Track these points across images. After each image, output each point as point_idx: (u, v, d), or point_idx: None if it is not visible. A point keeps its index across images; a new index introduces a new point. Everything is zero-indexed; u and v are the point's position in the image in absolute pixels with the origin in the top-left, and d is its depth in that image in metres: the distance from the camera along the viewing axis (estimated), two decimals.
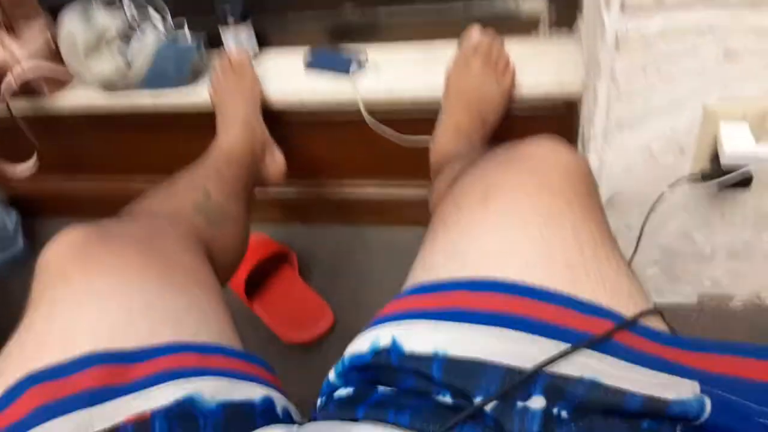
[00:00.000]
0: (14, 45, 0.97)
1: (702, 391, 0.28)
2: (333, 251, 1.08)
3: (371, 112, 0.92)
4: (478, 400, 0.29)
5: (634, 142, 0.68)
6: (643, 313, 0.32)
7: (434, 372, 0.30)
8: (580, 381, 0.28)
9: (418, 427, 0.29)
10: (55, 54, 1.01)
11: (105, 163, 1.19)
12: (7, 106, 0.99)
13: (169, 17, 1.06)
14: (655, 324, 0.33)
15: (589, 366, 0.29)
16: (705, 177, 0.67)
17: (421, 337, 0.31)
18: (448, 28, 0.94)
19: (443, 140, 0.80)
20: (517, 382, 0.28)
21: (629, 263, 0.57)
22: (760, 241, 0.75)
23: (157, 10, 1.05)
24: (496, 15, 0.92)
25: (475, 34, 0.84)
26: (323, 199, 1.11)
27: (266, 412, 0.37)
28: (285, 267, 1.05)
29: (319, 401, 0.36)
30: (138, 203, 0.59)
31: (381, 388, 0.33)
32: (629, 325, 0.31)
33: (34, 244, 1.24)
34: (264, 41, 1.05)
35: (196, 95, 0.98)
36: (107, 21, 0.95)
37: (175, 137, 1.08)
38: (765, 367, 0.29)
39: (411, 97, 0.89)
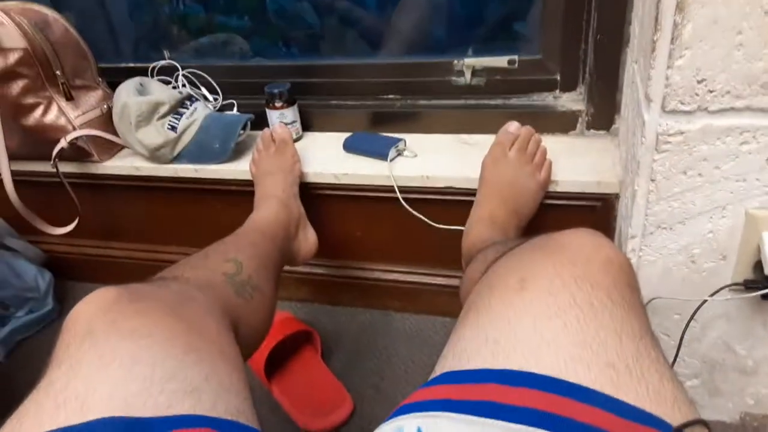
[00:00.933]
0: (70, 111, 1.02)
1: None
2: (357, 335, 1.06)
3: (406, 198, 0.93)
4: None
5: (674, 244, 0.66)
6: (690, 424, 0.30)
7: None
8: None
9: None
10: (108, 123, 1.06)
11: (143, 231, 1.21)
12: (56, 167, 1.03)
13: (220, 98, 1.12)
14: None
15: None
16: (748, 286, 0.63)
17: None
18: (487, 122, 0.97)
19: (477, 229, 0.79)
20: None
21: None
22: None
23: (209, 90, 1.13)
24: (535, 111, 0.94)
25: (513, 126, 0.85)
26: (351, 280, 1.10)
27: None
28: (307, 348, 1.03)
29: None
30: (170, 270, 0.59)
31: None
32: None
33: (65, 306, 1.24)
34: (307, 125, 1.10)
35: (236, 169, 1.01)
36: (162, 96, 1.00)
37: (213, 208, 1.10)
38: None
39: (446, 184, 0.91)
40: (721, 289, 0.65)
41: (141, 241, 1.23)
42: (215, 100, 1.13)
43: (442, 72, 1.01)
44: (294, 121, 1.05)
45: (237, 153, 1.03)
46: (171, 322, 0.42)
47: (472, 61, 0.97)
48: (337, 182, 0.96)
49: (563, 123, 0.93)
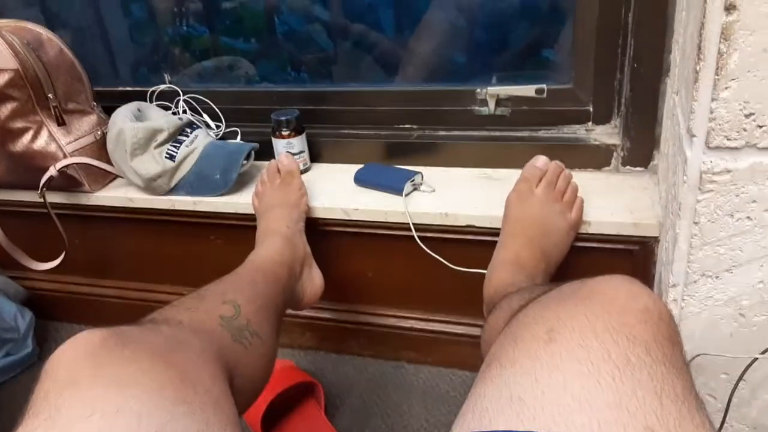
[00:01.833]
0: (62, 137, 1.02)
1: None
2: (365, 387, 1.04)
3: (423, 237, 0.93)
4: None
5: (721, 295, 0.64)
6: None
7: None
8: None
9: None
10: (101, 150, 1.08)
11: (134, 269, 1.22)
12: (44, 197, 1.03)
13: (223, 125, 1.14)
14: None
15: None
16: None
17: None
18: (512, 156, 0.98)
19: (500, 273, 0.79)
20: None
21: None
22: None
23: (212, 117, 1.15)
24: (565, 145, 0.95)
25: (540, 161, 0.86)
26: (360, 326, 1.09)
27: None
28: (309, 401, 1.01)
29: None
30: (162, 311, 0.59)
31: None
32: None
33: (46, 348, 1.24)
34: (316, 155, 1.11)
35: (238, 202, 1.02)
36: (160, 123, 1.02)
37: (212, 245, 1.11)
38: None
39: (467, 223, 0.91)
40: None
41: (132, 279, 1.23)
42: (218, 127, 1.15)
43: (464, 101, 1.02)
44: (302, 152, 1.06)
45: (239, 185, 1.04)
46: (161, 370, 0.42)
47: (496, 90, 0.98)
48: (347, 218, 0.97)
49: (596, 158, 0.94)
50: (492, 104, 1.00)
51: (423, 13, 1.02)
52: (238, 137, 1.13)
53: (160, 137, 1.01)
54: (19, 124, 1.01)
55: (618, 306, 0.38)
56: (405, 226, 0.93)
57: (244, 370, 0.59)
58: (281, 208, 0.93)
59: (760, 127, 0.54)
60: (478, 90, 1.00)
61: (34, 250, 1.13)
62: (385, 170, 1.02)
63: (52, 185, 1.04)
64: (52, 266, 1.12)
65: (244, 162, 1.03)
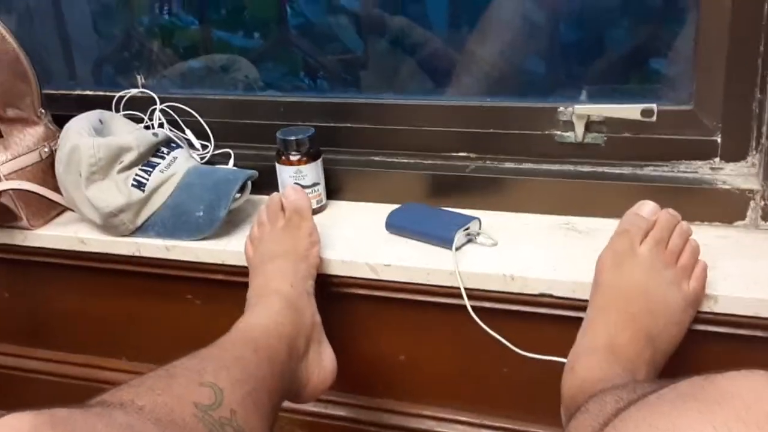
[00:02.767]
0: None
1: None
2: None
3: (478, 308, 0.92)
4: None
5: None
6: None
7: None
8: None
9: None
10: (47, 173, 1.09)
11: (81, 336, 1.21)
12: None
13: (211, 145, 1.15)
14: None
15: None
16: None
17: None
18: (606, 201, 0.98)
19: (587, 362, 0.77)
20: None
21: None
22: None
23: (197, 134, 1.16)
24: (682, 188, 0.95)
25: (647, 208, 0.85)
26: (387, 430, 1.07)
27: None
28: None
29: None
30: (116, 391, 0.59)
31: None
32: None
33: None
34: (335, 189, 1.12)
35: (226, 249, 1.02)
36: (128, 139, 1.03)
37: (188, 305, 1.10)
38: None
39: (540, 290, 0.90)
40: None
41: (76, 350, 1.23)
42: (204, 148, 1.16)
43: (542, 123, 1.02)
44: (315, 184, 1.08)
45: (229, 226, 1.05)
46: None
47: (586, 109, 0.99)
48: (374, 277, 0.97)
49: (726, 208, 0.93)
50: (580, 128, 1.00)
51: (487, 3, 1.04)
52: (231, 162, 1.14)
53: (127, 158, 1.02)
54: None
55: (761, 414, 0.38)
56: (454, 292, 0.93)
57: None
58: (284, 259, 0.93)
59: None
60: (562, 108, 1.00)
61: None
62: (430, 214, 1.02)
63: None
64: None
65: (237, 195, 1.04)
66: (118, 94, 1.16)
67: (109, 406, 0.55)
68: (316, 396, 0.91)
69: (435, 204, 1.06)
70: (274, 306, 0.87)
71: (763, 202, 0.92)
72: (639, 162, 0.99)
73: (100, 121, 1.08)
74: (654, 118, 0.96)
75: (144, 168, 1.04)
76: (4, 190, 1.05)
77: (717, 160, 0.95)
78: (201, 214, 1.03)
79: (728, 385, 0.41)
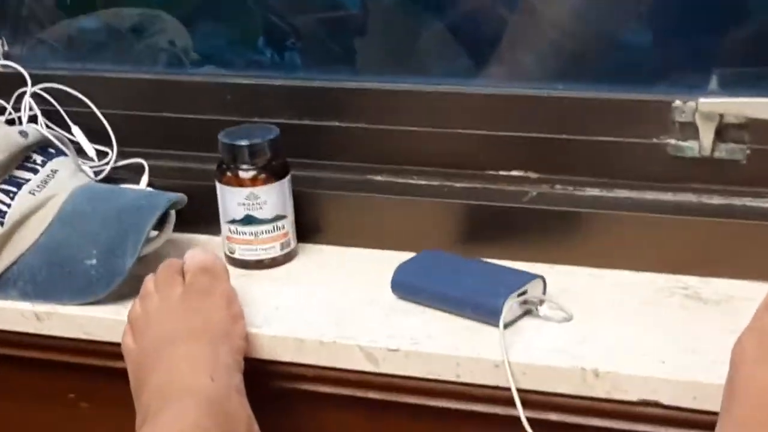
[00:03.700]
0: None
1: None
2: None
3: (537, 420, 0.90)
4: None
5: None
6: None
7: None
8: None
9: None
10: None
11: None
12: None
13: (113, 151, 1.15)
14: None
15: None
16: None
17: None
18: (745, 251, 0.98)
19: None
20: None
21: None
22: None
23: (90, 133, 1.16)
24: None
25: None
26: None
27: None
28: None
29: None
30: None
31: None
32: None
33: None
34: (310, 228, 1.12)
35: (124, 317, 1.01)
36: None
37: (69, 412, 1.10)
38: None
39: (640, 396, 0.88)
40: None
41: None
42: (102, 156, 1.16)
43: (645, 125, 1.03)
44: (279, 217, 1.08)
45: (137, 282, 1.03)
46: None
47: (717, 105, 0.99)
48: (370, 369, 0.96)
49: None
50: (708, 135, 1.00)
51: None
52: (144, 178, 1.14)
53: None
54: None
55: None
56: (500, 395, 0.91)
57: None
58: (194, 341, 0.94)
59: None
60: (679, 103, 1.01)
61: None
62: (462, 269, 1.02)
63: None
64: None
65: (153, 233, 1.06)
66: None
67: None
68: None
69: (471, 253, 1.06)
70: (190, 413, 0.87)
71: None
72: None
73: None
74: None
75: (3, 187, 1.05)
76: None
77: None
78: (93, 262, 1.03)
79: None
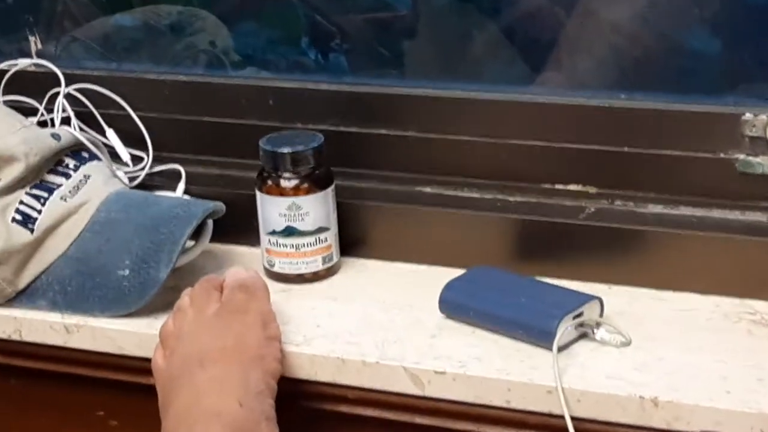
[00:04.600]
0: None
1: None
2: None
3: None
4: None
5: None
6: None
7: None
8: None
9: None
10: None
11: None
12: None
13: (149, 156, 1.16)
14: None
15: None
16: None
17: None
18: None
19: None
20: None
21: None
22: None
23: (125, 137, 1.17)
24: None
25: None
26: None
27: None
28: None
29: None
30: None
31: None
32: None
33: None
34: (355, 242, 1.13)
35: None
36: (10, 144, 1.03)
37: (89, 425, 1.11)
38: None
39: (700, 427, 0.88)
40: None
41: None
42: (137, 161, 1.17)
43: (713, 138, 1.03)
44: (322, 229, 1.09)
45: (173, 294, 1.04)
46: None
47: None
48: (415, 393, 0.96)
49: None
50: None
51: None
52: (181, 186, 1.15)
53: (7, 175, 1.04)
54: None
55: None
56: (554, 423, 0.91)
57: None
58: (223, 364, 0.93)
59: None
60: (749, 116, 1.00)
61: None
62: (514, 287, 1.02)
63: None
64: None
65: (190, 243, 1.07)
66: None
67: None
68: None
69: (523, 271, 1.06)
70: None
71: None
72: None
73: None
74: None
75: (34, 192, 1.05)
76: None
77: None
78: (126, 273, 1.04)
79: None
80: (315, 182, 1.06)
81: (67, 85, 1.15)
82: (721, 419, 0.87)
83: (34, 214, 1.03)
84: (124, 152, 1.17)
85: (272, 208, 1.07)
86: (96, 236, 1.05)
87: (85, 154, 1.09)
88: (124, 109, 1.16)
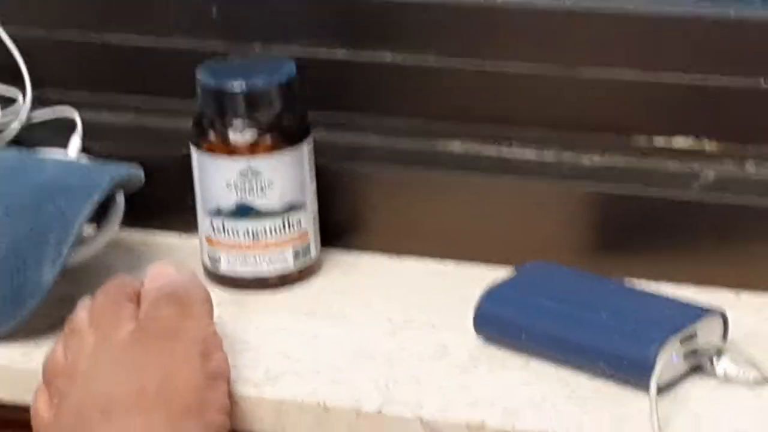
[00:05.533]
0: None
1: None
2: None
3: None
4: None
5: None
6: None
7: None
8: None
9: None
10: None
11: None
12: None
13: (26, 99, 1.10)
14: None
15: None
16: None
17: None
18: None
19: None
20: None
21: None
22: None
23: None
24: None
25: None
26: None
27: None
28: None
29: None
30: None
31: None
32: None
33: None
34: (347, 228, 1.06)
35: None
36: None
37: None
38: None
39: None
40: None
41: None
42: (7, 103, 1.12)
43: None
44: (292, 208, 1.06)
45: (56, 307, 1.02)
46: None
47: None
48: None
49: None
50: None
51: None
52: (75, 140, 1.10)
53: None
54: None
55: None
56: None
57: None
58: (143, 414, 0.89)
59: None
60: None
61: None
62: (589, 293, 0.98)
63: None
64: None
65: (91, 230, 1.02)
66: None
67: None
68: None
69: (604, 269, 1.02)
70: None
71: None
72: None
73: None
74: None
75: None
76: None
77: None
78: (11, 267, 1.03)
79: None
80: (282, 136, 1.01)
81: None
82: None
83: None
84: None
85: (217, 175, 1.01)
86: None
87: None
88: None
